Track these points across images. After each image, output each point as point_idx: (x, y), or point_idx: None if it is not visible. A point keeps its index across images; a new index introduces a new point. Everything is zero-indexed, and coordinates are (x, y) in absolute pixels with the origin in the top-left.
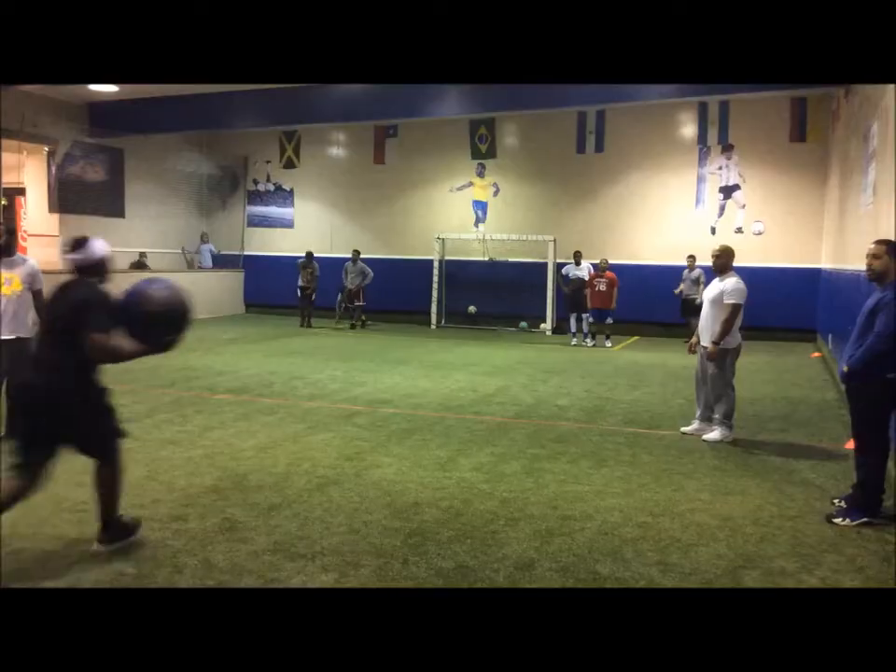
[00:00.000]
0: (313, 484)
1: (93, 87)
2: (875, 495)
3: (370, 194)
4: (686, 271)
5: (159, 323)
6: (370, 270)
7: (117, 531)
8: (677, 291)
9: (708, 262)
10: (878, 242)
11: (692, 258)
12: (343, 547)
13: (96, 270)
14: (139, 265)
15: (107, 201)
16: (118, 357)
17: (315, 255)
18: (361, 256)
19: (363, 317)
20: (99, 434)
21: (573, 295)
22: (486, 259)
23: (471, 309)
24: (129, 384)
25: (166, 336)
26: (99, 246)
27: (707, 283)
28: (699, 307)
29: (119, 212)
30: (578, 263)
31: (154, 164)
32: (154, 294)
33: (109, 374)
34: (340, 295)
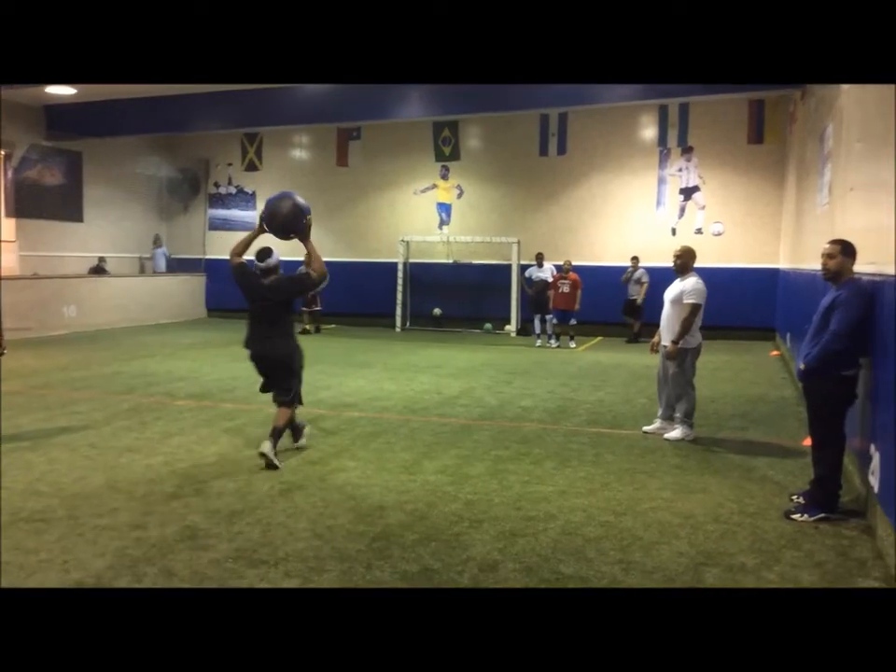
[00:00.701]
0: (276, 490)
1: (51, 89)
2: (831, 491)
3: (333, 197)
4: (629, 271)
5: (296, 217)
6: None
7: (277, 438)
8: (623, 280)
9: (657, 262)
10: (833, 242)
11: (635, 259)
12: (306, 552)
13: (274, 270)
14: (98, 270)
15: (65, 205)
16: (321, 263)
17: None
18: (325, 259)
19: (312, 323)
20: (290, 384)
21: (536, 297)
22: (450, 261)
23: (436, 311)
24: (87, 390)
25: (306, 219)
26: (276, 255)
27: (650, 283)
28: (639, 307)
29: (77, 216)
30: (540, 265)
31: (113, 168)
32: (281, 203)
33: (68, 380)
34: None
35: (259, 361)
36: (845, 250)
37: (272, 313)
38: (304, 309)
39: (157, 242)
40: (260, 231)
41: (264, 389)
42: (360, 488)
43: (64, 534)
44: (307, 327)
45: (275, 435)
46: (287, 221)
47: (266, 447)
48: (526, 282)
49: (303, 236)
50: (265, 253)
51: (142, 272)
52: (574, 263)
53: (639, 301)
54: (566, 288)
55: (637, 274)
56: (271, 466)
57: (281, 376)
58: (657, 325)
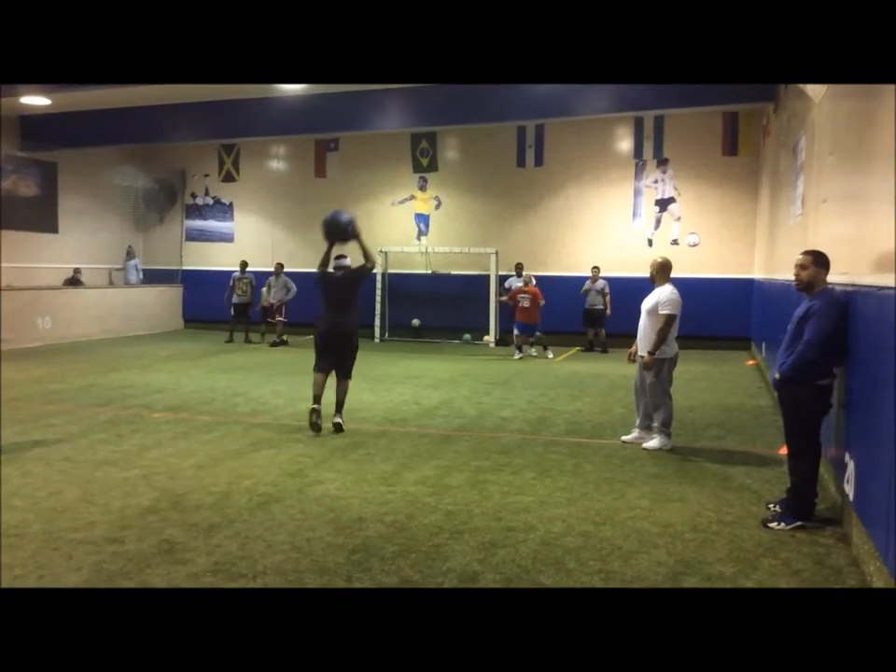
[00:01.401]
0: (254, 503)
1: (25, 99)
2: (808, 499)
3: (311, 208)
4: (589, 282)
5: (348, 226)
6: (293, 284)
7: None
8: (583, 291)
9: (633, 273)
10: (805, 252)
11: (596, 269)
12: (285, 565)
13: (345, 268)
14: (73, 281)
15: (40, 216)
16: (371, 253)
17: (257, 269)
18: (304, 270)
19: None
20: (352, 360)
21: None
22: (429, 271)
23: (415, 322)
24: (64, 403)
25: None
26: (348, 259)
27: (612, 294)
28: (601, 317)
29: (52, 227)
30: (519, 275)
31: (89, 178)
32: (336, 217)
33: (43, 393)
34: (233, 309)
35: (333, 335)
36: (817, 261)
37: (344, 299)
38: (269, 321)
39: (130, 253)
40: (330, 244)
41: (326, 365)
42: (339, 500)
43: (39, 548)
44: (284, 337)
45: (341, 406)
46: (343, 231)
47: (339, 418)
48: (506, 292)
49: (355, 237)
50: (340, 257)
51: (111, 283)
52: (551, 274)
53: (608, 311)
54: (526, 303)
55: (598, 285)
56: (340, 429)
57: (348, 353)
58: (621, 335)
